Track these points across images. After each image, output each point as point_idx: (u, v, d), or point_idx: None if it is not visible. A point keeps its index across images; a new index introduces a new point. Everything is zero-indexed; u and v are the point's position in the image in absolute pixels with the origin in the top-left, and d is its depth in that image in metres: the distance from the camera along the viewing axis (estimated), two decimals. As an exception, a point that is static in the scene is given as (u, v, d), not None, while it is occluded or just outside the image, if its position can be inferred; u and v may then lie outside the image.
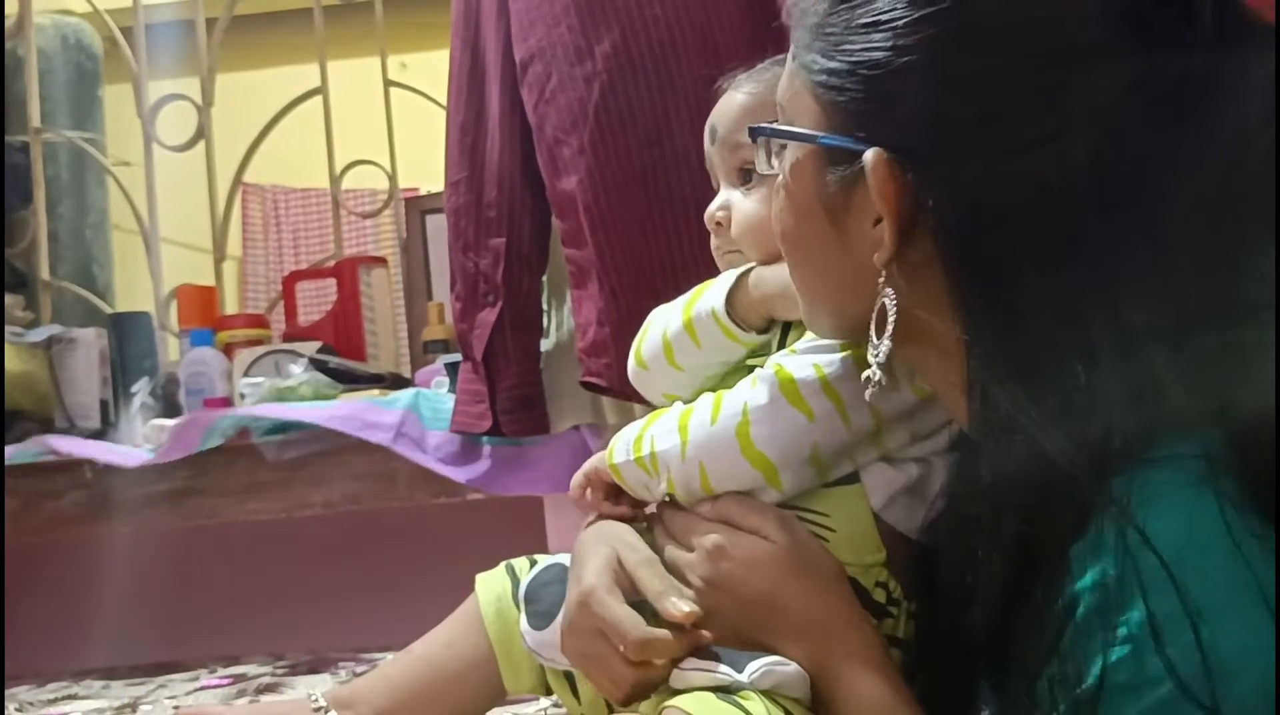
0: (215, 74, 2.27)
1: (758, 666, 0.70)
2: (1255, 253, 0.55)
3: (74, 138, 2.34)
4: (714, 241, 0.90)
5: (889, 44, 0.58)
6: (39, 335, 2.02)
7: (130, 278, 2.49)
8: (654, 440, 0.78)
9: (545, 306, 1.66)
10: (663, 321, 0.87)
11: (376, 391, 1.81)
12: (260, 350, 1.98)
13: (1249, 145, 0.56)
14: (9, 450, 1.77)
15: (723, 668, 0.70)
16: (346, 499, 1.71)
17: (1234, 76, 0.55)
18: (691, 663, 0.71)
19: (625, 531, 0.80)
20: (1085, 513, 0.54)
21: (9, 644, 1.70)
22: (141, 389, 1.95)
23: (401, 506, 1.72)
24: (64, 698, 1.58)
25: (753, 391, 0.74)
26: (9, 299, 2.13)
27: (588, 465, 0.86)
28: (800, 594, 0.71)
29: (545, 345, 1.65)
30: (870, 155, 0.59)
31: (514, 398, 1.61)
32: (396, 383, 1.91)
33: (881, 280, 0.62)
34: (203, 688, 1.57)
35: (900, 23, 0.57)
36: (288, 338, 2.10)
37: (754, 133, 0.70)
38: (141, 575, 1.84)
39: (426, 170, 2.05)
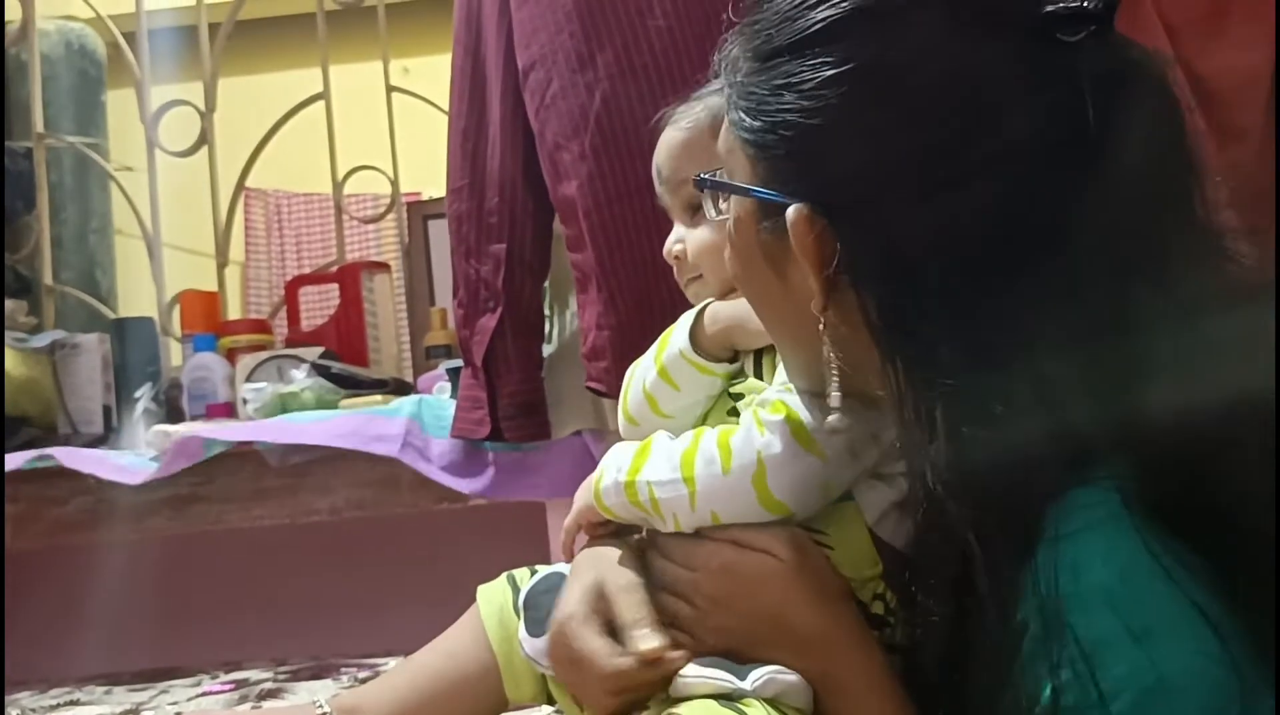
0: (218, 79, 2.28)
1: (761, 674, 0.70)
2: (1159, 284, 0.57)
3: (77, 143, 2.35)
4: (677, 274, 0.92)
5: (800, 104, 0.60)
6: (42, 341, 2.02)
7: (134, 283, 2.50)
8: (653, 487, 0.77)
9: (548, 312, 1.66)
10: (640, 376, 0.89)
11: (379, 398, 1.81)
12: (263, 355, 1.98)
13: (1150, 180, 0.58)
14: (15, 457, 1.77)
15: (725, 675, 0.70)
16: (351, 505, 1.71)
17: (1131, 115, 0.57)
18: (694, 670, 0.72)
19: (616, 555, 0.81)
20: (1026, 538, 0.55)
21: (12, 650, 1.70)
22: (144, 395, 1.95)
23: (405, 512, 1.72)
24: (66, 704, 1.58)
25: (765, 439, 0.74)
26: (12, 304, 2.13)
27: (576, 509, 0.86)
28: (808, 611, 0.72)
29: (547, 350, 1.66)
30: (791, 211, 0.61)
31: (515, 403, 1.61)
32: (399, 388, 1.91)
33: (821, 328, 0.63)
34: (205, 693, 1.57)
35: (808, 85, 0.60)
36: (290, 343, 2.10)
37: (698, 184, 0.73)
38: (145, 581, 1.85)
39: (429, 175, 2.06)
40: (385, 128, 2.23)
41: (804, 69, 0.60)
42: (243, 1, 2.29)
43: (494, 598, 0.92)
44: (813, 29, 0.60)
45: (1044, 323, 0.57)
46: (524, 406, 1.61)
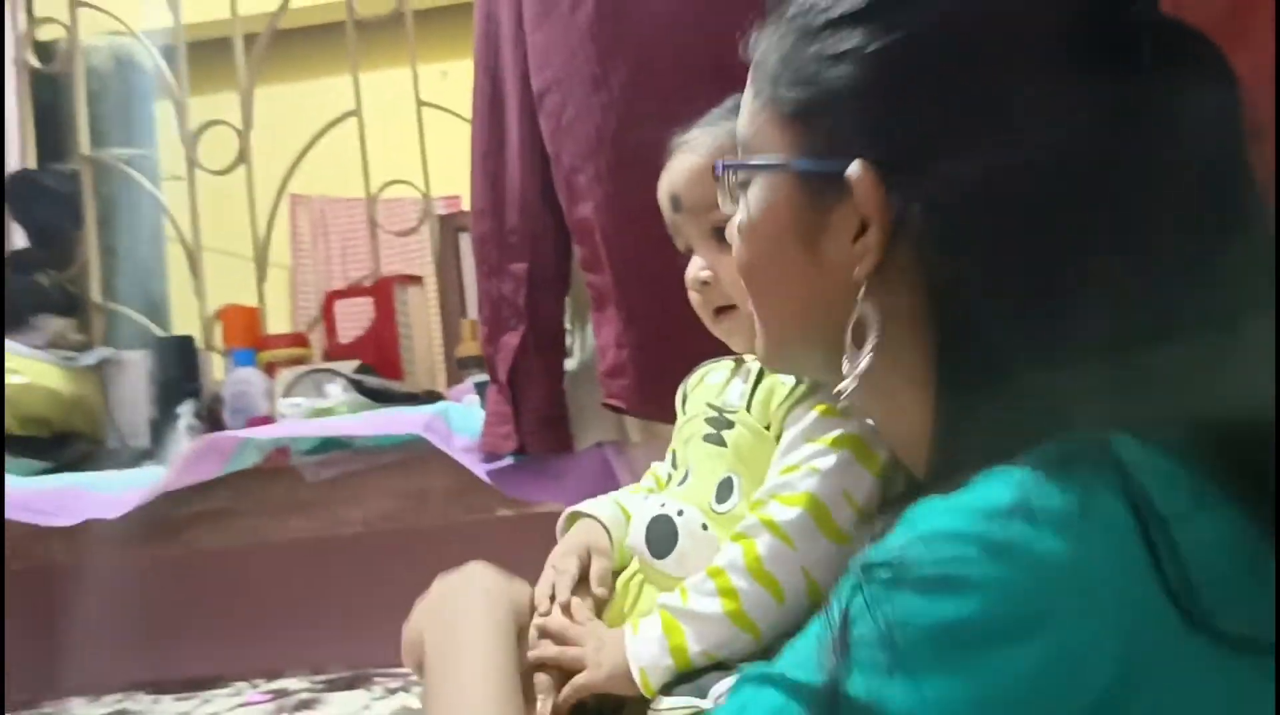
0: (254, 93, 2.33)
1: (721, 690, 0.72)
2: (1219, 260, 0.58)
3: (120, 160, 2.41)
4: (700, 305, 0.90)
5: (858, 71, 0.62)
6: (90, 358, 2.10)
7: (186, 290, 2.57)
8: (711, 654, 0.76)
9: (569, 327, 1.69)
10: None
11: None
12: (300, 370, 2.04)
13: (1206, 155, 0.59)
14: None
15: (689, 699, 0.74)
16: (382, 517, 1.76)
17: (1189, 88, 0.59)
18: (665, 702, 0.75)
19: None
20: None
21: (63, 658, 1.77)
22: (187, 409, 2.02)
23: (436, 524, 1.76)
24: (116, 713, 1.65)
25: (802, 549, 0.75)
26: (62, 322, 2.21)
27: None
28: None
29: (569, 365, 1.68)
30: (855, 167, 0.62)
31: (538, 418, 1.64)
32: (431, 400, 1.96)
33: (861, 294, 0.64)
34: (246, 703, 1.63)
35: (868, 49, 0.62)
36: (328, 356, 2.16)
37: (725, 167, 0.72)
38: (188, 593, 1.92)
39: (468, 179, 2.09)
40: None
41: (859, 36, 0.62)
42: (279, 17, 2.34)
43: None
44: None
45: (1107, 289, 0.58)
46: (547, 420, 1.64)
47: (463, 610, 0.85)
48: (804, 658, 0.55)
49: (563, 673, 0.82)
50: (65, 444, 1.95)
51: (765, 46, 0.69)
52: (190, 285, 2.34)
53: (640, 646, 0.77)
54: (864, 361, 0.64)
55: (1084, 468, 0.54)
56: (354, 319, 2.29)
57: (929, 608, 0.52)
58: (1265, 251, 0.60)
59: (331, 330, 2.22)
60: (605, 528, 0.91)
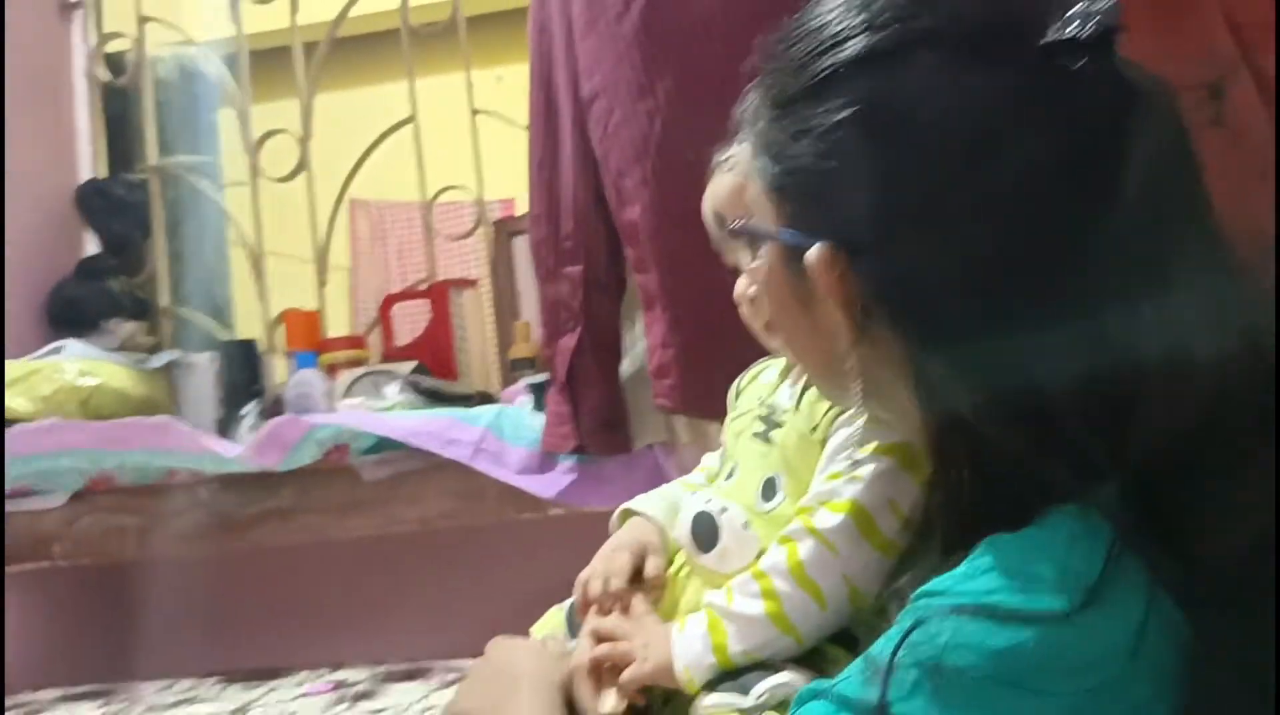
0: (314, 101, 2.40)
1: (763, 689, 0.74)
2: (1169, 306, 0.58)
3: (186, 169, 2.49)
4: (748, 315, 0.90)
5: (816, 148, 0.63)
6: (159, 361, 2.17)
7: (250, 294, 2.64)
8: (753, 654, 0.78)
9: (621, 329, 1.73)
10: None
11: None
12: (359, 371, 2.09)
13: (1159, 203, 0.59)
14: (135, 463, 1.91)
15: (732, 697, 0.75)
16: (440, 515, 1.81)
17: (1136, 138, 0.58)
18: (709, 700, 0.76)
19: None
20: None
21: (148, 649, 1.84)
22: (251, 410, 2.08)
23: (490, 522, 1.81)
24: (185, 700, 1.72)
25: (843, 556, 0.76)
26: (132, 326, 2.29)
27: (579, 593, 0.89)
28: None
29: (624, 367, 1.72)
30: (811, 252, 0.63)
31: (598, 419, 1.68)
32: (484, 401, 2.00)
33: (849, 366, 0.66)
34: (306, 693, 1.69)
35: (821, 129, 0.62)
36: (386, 358, 2.21)
37: (731, 232, 0.74)
38: (254, 587, 1.98)
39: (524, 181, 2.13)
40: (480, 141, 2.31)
41: (817, 114, 0.62)
42: (337, 26, 2.40)
43: (545, 626, 0.99)
44: (822, 75, 0.62)
45: (1060, 349, 0.59)
46: (606, 422, 1.68)
47: (509, 693, 0.85)
48: (856, 675, 0.58)
49: (617, 671, 0.83)
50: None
51: (750, 115, 0.70)
52: (253, 289, 2.41)
53: (685, 644, 0.79)
54: (859, 421, 0.68)
55: (1097, 541, 0.56)
56: (411, 321, 2.35)
57: (982, 636, 0.54)
58: (1222, 292, 0.60)
59: (389, 333, 2.27)
60: (659, 526, 0.93)
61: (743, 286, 0.91)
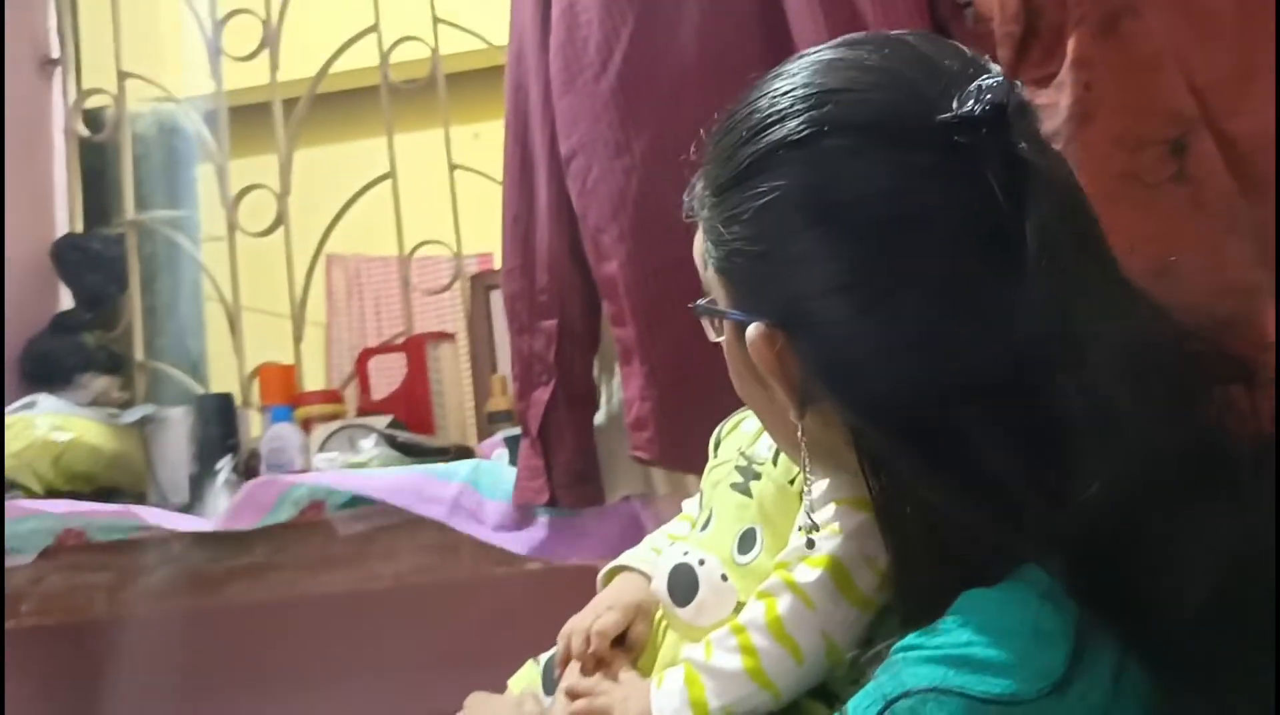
0: (292, 158, 2.41)
1: None
2: (1085, 364, 0.61)
3: (164, 224, 2.49)
4: None
5: (745, 233, 0.67)
6: (133, 415, 2.15)
7: (225, 349, 2.63)
8: (731, 709, 0.78)
9: (597, 382, 1.73)
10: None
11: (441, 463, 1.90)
12: (335, 425, 2.08)
13: (1065, 260, 0.61)
14: (103, 522, 1.89)
15: None
16: (415, 570, 1.80)
17: (1036, 200, 0.61)
18: None
19: None
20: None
21: (109, 710, 1.80)
22: (225, 465, 2.07)
23: (466, 577, 1.80)
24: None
25: (821, 612, 0.76)
26: (106, 381, 2.28)
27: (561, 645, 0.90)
28: None
29: (598, 419, 1.72)
30: (749, 331, 0.68)
31: (570, 472, 1.68)
32: (460, 454, 2.00)
33: (799, 436, 0.69)
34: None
35: (747, 215, 0.66)
36: (362, 411, 2.21)
37: (693, 311, 0.78)
38: (226, 645, 1.95)
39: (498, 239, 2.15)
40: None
41: (743, 201, 0.66)
42: (317, 83, 2.43)
43: (521, 681, 0.98)
44: (744, 165, 0.67)
45: (991, 414, 0.61)
46: (578, 475, 1.68)
47: None
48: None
49: None
50: (108, 499, 2.00)
51: (696, 198, 0.74)
52: (229, 343, 2.41)
53: (663, 700, 0.79)
54: (814, 491, 0.72)
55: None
56: (388, 376, 2.34)
57: (961, 683, 0.56)
58: (1139, 345, 0.63)
59: (365, 387, 2.27)
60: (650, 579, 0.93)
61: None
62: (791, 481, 0.85)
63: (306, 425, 2.14)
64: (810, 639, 0.76)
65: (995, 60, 0.68)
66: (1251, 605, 0.58)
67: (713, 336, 0.78)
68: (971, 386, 0.61)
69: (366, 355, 2.33)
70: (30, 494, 1.93)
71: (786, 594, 0.77)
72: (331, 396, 2.24)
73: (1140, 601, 0.57)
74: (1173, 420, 0.60)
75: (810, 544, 0.77)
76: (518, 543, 1.71)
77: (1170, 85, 1.13)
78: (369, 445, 1.97)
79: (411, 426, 2.13)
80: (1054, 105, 1.14)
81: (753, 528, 0.85)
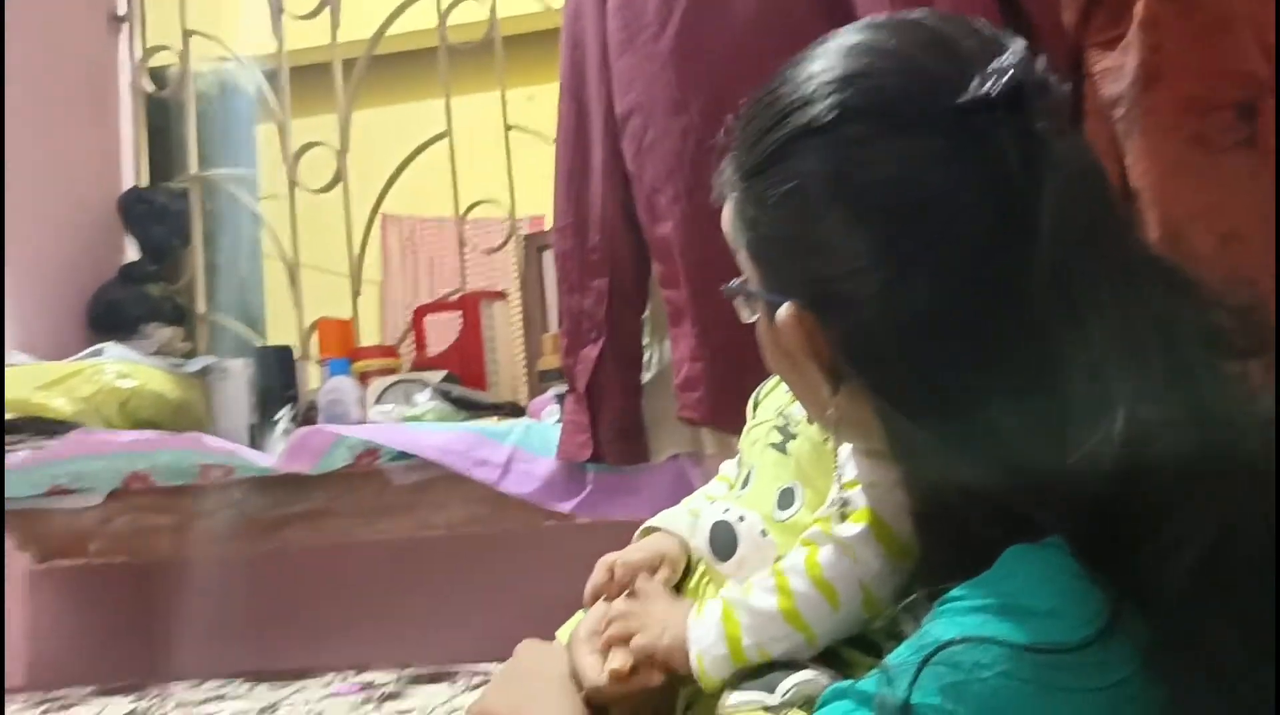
0: (351, 116, 2.45)
1: (788, 685, 0.76)
2: (1102, 336, 0.61)
3: (226, 180, 2.54)
4: None
5: (771, 217, 0.68)
6: (196, 365, 2.21)
7: (284, 303, 2.69)
8: (764, 648, 0.78)
9: (646, 342, 1.76)
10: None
11: (494, 419, 1.94)
12: (391, 379, 2.13)
13: (1084, 235, 0.62)
14: (168, 465, 1.95)
15: (758, 694, 0.76)
16: (465, 521, 1.84)
17: (1056, 178, 0.62)
18: (733, 698, 0.78)
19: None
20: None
21: (170, 647, 1.87)
22: (284, 415, 2.12)
23: (515, 528, 1.84)
24: (215, 698, 1.75)
25: (863, 564, 0.77)
26: (170, 331, 2.34)
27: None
28: None
29: (646, 378, 1.75)
30: (780, 312, 0.69)
31: (616, 428, 1.71)
32: (513, 411, 2.04)
33: (830, 413, 0.71)
34: (334, 694, 1.72)
35: (772, 199, 0.68)
36: (416, 367, 2.25)
37: (724, 292, 0.78)
38: (285, 589, 2.01)
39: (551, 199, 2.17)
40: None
41: (769, 186, 0.68)
42: (376, 44, 2.46)
43: (573, 625, 1.01)
44: (769, 151, 0.68)
45: (1019, 391, 0.62)
46: (623, 431, 1.70)
47: (535, 696, 0.86)
48: (880, 675, 0.60)
49: (626, 641, 0.84)
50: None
51: (726, 182, 0.74)
52: (288, 299, 2.46)
53: (699, 630, 0.80)
54: (845, 469, 0.73)
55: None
56: (442, 333, 2.39)
57: (1006, 632, 0.57)
58: (1156, 319, 0.63)
59: (420, 342, 2.31)
60: (680, 539, 0.94)
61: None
62: (827, 438, 0.84)
63: (364, 378, 2.19)
64: (848, 588, 0.77)
65: (1063, 24, 0.68)
66: (1249, 575, 0.60)
67: (746, 317, 0.78)
68: (990, 363, 0.63)
69: (422, 312, 2.38)
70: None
71: (829, 544, 0.78)
72: (388, 351, 2.28)
73: (1139, 565, 0.59)
74: (1171, 394, 0.61)
75: (845, 503, 0.78)
76: (566, 501, 1.74)
77: (1241, 47, 1.11)
78: (424, 399, 2.01)
79: (465, 382, 2.17)
80: (1120, 68, 1.13)
81: (791, 486, 0.86)
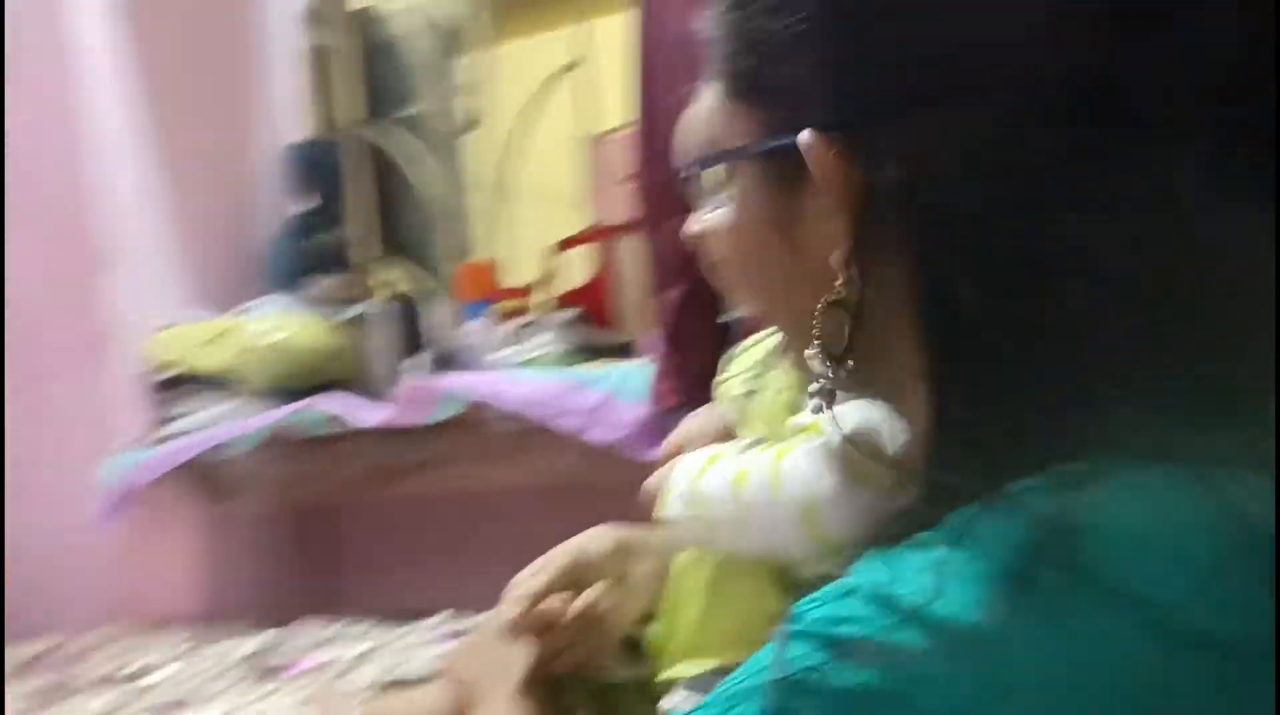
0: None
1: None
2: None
3: (394, 124, 2.58)
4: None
5: (795, 24, 0.53)
6: (350, 313, 2.30)
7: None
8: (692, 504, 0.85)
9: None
10: None
11: (603, 362, 1.90)
12: (520, 321, 2.13)
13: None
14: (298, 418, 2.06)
15: (694, 698, 0.78)
16: (568, 469, 1.82)
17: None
18: (671, 701, 0.82)
19: None
20: None
21: (301, 590, 1.98)
22: (424, 361, 2.17)
23: (617, 478, 1.79)
24: (340, 637, 1.85)
25: (818, 474, 0.77)
26: (335, 280, 2.44)
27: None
28: None
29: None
30: (804, 137, 0.52)
31: (704, 374, 1.61)
32: (630, 353, 1.98)
33: (840, 282, 0.55)
34: (449, 634, 1.77)
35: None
36: (558, 304, 2.24)
37: (695, 166, 0.63)
38: (407, 533, 2.08)
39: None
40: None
41: None
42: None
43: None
44: None
45: (1101, 246, 0.47)
46: (708, 378, 1.61)
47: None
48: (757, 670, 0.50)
49: None
50: (322, 392, 2.16)
51: (711, 23, 0.58)
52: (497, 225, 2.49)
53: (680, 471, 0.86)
54: (841, 371, 0.55)
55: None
56: (579, 270, 2.36)
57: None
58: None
59: (557, 280, 2.30)
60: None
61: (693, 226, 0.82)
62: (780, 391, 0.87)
63: (508, 316, 2.20)
64: (794, 487, 0.76)
65: None
66: None
67: (705, 218, 0.65)
68: (1079, 203, 0.47)
69: (566, 245, 2.35)
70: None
71: (795, 453, 0.78)
72: (520, 292, 2.28)
73: None
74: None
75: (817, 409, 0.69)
76: (655, 448, 1.67)
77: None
78: (541, 342, 2.00)
79: (597, 321, 2.13)
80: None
81: (760, 439, 0.86)
